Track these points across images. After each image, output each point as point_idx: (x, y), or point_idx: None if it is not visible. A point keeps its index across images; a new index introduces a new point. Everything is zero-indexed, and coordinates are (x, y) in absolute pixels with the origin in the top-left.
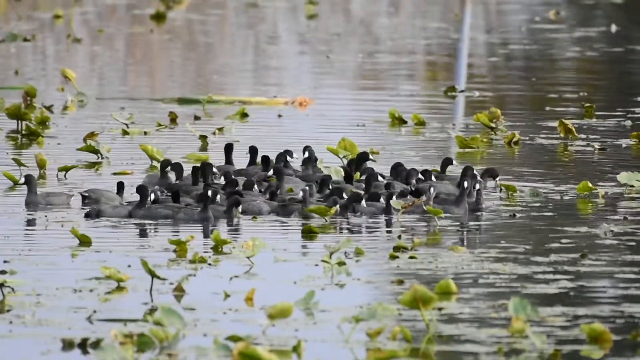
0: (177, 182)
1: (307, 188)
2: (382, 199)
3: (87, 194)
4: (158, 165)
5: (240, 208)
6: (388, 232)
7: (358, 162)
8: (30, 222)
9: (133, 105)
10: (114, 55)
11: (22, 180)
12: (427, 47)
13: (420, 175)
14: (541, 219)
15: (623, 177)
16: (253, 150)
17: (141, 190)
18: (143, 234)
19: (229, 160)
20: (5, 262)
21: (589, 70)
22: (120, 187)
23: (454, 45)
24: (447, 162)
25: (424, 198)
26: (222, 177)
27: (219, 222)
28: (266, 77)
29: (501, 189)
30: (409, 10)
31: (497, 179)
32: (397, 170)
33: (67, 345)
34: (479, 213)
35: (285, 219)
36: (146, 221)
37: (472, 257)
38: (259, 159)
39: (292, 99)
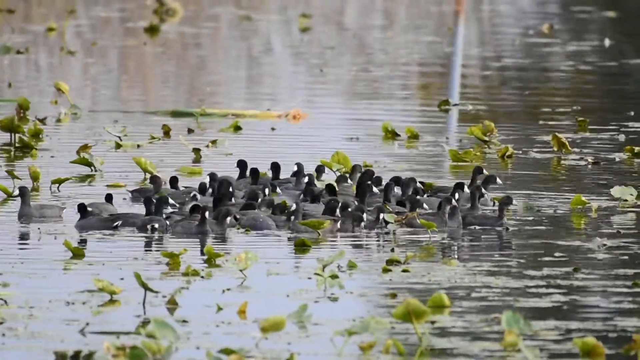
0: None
1: (299, 201)
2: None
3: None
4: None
5: (228, 220)
6: (381, 245)
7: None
8: (24, 235)
9: (126, 118)
10: (108, 68)
11: (16, 192)
12: (420, 61)
13: (418, 185)
14: (534, 232)
15: (616, 191)
16: (242, 164)
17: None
18: (136, 246)
19: (242, 176)
20: None
21: (582, 84)
22: (109, 198)
23: (447, 58)
24: (478, 171)
25: (420, 211)
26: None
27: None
28: (259, 90)
29: (494, 203)
30: (403, 23)
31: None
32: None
33: (60, 357)
34: (500, 228)
35: (278, 231)
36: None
37: (465, 271)
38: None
39: (285, 112)
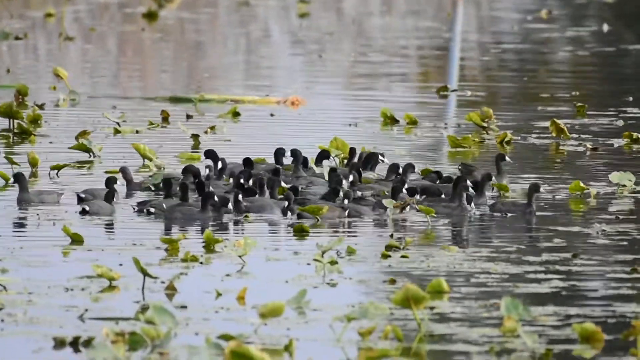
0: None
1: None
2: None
3: (83, 195)
4: (150, 163)
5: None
6: (380, 231)
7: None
8: (22, 221)
9: (125, 103)
10: (106, 53)
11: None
12: (419, 47)
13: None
14: (515, 216)
15: (615, 176)
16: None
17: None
18: (135, 232)
19: (279, 164)
20: None
21: (581, 69)
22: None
23: (446, 44)
24: (500, 158)
25: (417, 197)
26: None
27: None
28: (258, 76)
29: (493, 188)
30: (401, 9)
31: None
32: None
33: (59, 343)
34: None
35: (277, 217)
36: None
37: (464, 257)
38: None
39: (284, 98)
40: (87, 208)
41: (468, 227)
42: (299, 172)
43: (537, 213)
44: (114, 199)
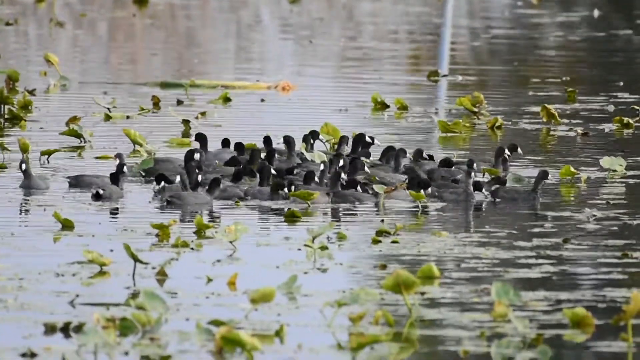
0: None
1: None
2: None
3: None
4: (141, 149)
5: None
6: (370, 216)
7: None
8: (13, 206)
9: (115, 89)
10: (97, 39)
11: (14, 165)
12: (409, 32)
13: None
14: (513, 203)
15: (606, 161)
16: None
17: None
18: (126, 218)
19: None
20: None
21: (571, 55)
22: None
23: (436, 29)
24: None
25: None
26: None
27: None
28: (249, 61)
29: (484, 174)
30: None
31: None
32: (388, 155)
33: (50, 329)
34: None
35: (268, 202)
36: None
37: (455, 242)
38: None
39: (274, 83)
40: (100, 192)
41: (459, 213)
42: (292, 159)
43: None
44: (122, 185)
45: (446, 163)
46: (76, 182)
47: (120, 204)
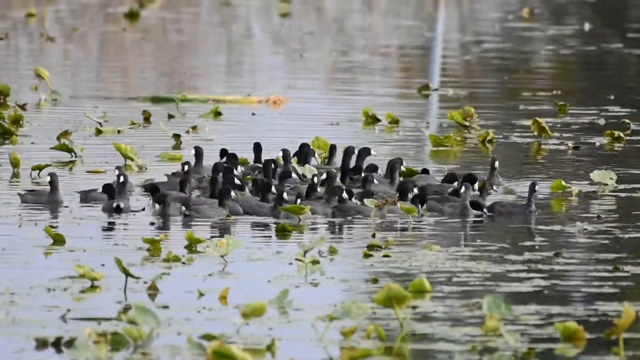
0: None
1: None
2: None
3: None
4: (132, 163)
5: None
6: (362, 230)
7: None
8: (4, 221)
9: (106, 103)
10: (88, 53)
11: (47, 179)
12: (400, 46)
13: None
14: (509, 217)
15: (596, 175)
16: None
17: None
18: (117, 232)
19: (258, 159)
20: None
21: (562, 68)
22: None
23: (427, 43)
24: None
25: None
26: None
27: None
28: (240, 75)
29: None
30: (383, 8)
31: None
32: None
33: (41, 344)
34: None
35: (259, 217)
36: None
37: (446, 256)
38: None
39: (266, 97)
40: (121, 205)
41: (451, 227)
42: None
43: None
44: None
45: (451, 178)
46: (86, 197)
47: (111, 218)
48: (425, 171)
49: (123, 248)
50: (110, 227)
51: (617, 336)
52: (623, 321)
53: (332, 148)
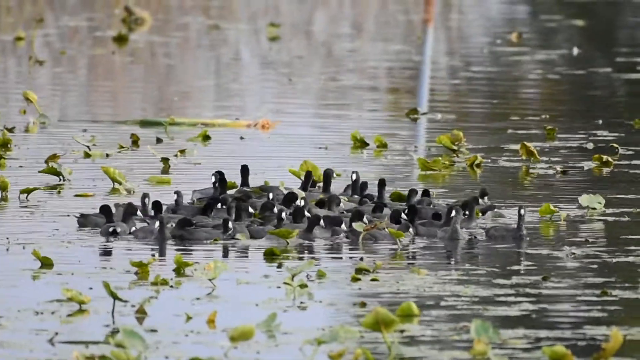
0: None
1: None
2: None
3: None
4: (120, 187)
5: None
6: (350, 254)
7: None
8: None
9: (95, 127)
10: (76, 77)
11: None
12: (389, 70)
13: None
14: (503, 241)
15: (584, 199)
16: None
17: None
18: (105, 255)
19: (245, 182)
20: None
21: (551, 92)
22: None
23: (416, 67)
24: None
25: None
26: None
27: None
28: (228, 99)
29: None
30: (371, 32)
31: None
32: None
33: None
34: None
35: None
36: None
37: (434, 280)
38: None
39: (254, 121)
40: (118, 230)
41: (439, 251)
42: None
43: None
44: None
45: (482, 194)
46: (85, 222)
47: (97, 242)
48: (426, 193)
49: (111, 271)
50: (98, 250)
51: None
52: (611, 345)
53: (308, 174)
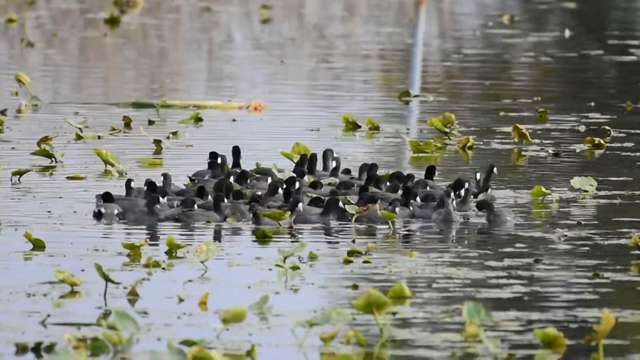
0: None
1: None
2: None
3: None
4: (112, 169)
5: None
6: (342, 236)
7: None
8: None
9: (87, 109)
10: (68, 59)
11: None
12: (381, 52)
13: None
14: (495, 224)
15: (576, 182)
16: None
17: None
18: (97, 237)
19: (237, 162)
20: None
21: (542, 75)
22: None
23: (408, 50)
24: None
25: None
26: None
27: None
28: (220, 81)
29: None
30: (363, 15)
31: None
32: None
33: (21, 349)
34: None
35: (238, 224)
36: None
37: (426, 262)
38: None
39: (246, 103)
40: (102, 210)
41: (431, 233)
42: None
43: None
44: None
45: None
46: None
47: (92, 222)
48: (431, 170)
49: (103, 253)
50: (90, 232)
51: (597, 342)
52: (603, 327)
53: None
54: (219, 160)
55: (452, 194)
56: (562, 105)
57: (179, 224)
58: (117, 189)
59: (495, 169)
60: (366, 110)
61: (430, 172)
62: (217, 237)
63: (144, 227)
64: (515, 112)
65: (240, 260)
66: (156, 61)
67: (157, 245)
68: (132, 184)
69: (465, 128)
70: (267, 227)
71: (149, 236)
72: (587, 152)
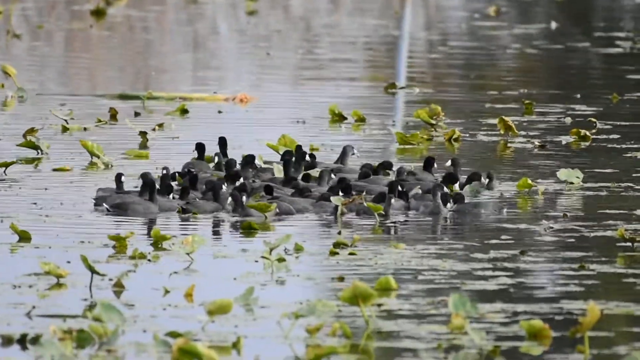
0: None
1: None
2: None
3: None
4: (98, 161)
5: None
6: (328, 228)
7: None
8: None
9: (73, 101)
10: (54, 51)
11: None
12: (367, 44)
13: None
14: (480, 215)
15: (562, 173)
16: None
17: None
18: (83, 229)
19: (223, 153)
20: None
21: (529, 67)
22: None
23: (394, 42)
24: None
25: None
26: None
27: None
28: (206, 73)
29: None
30: (349, 6)
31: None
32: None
33: (6, 341)
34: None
35: (225, 215)
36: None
37: (412, 254)
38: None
39: (232, 95)
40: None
41: (417, 225)
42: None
43: (484, 211)
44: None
45: (451, 179)
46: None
47: (78, 214)
48: (429, 161)
49: (89, 245)
50: (76, 223)
51: (583, 334)
52: (588, 319)
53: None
54: (216, 158)
55: (444, 187)
56: (548, 97)
57: (183, 216)
58: (107, 181)
59: (483, 177)
60: (352, 101)
61: (428, 164)
62: (215, 230)
63: (148, 218)
64: (501, 104)
65: (226, 252)
66: (142, 53)
67: (143, 236)
68: (123, 178)
69: (451, 120)
70: (253, 219)
71: (147, 227)
72: (573, 143)
